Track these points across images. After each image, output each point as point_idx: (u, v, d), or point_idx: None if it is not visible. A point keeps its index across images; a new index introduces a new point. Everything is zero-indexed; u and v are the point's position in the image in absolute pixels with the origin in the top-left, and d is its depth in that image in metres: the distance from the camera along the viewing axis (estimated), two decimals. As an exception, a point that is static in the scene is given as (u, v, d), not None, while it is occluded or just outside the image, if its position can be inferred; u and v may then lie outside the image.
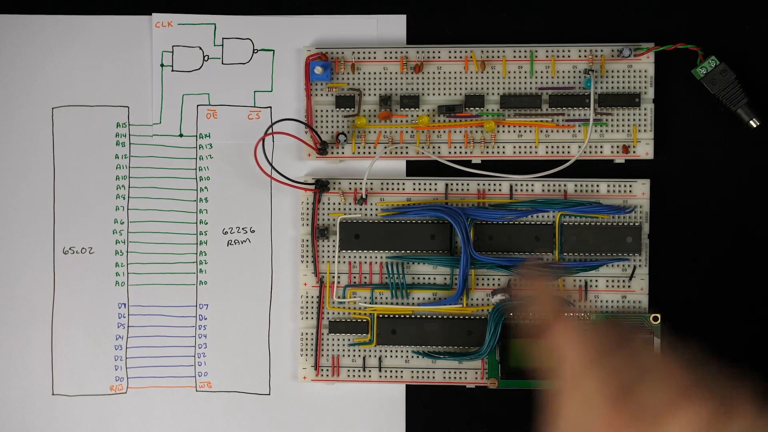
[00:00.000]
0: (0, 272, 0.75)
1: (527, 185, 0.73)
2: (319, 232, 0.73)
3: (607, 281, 0.72)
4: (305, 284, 0.73)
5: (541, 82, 0.73)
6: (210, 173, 0.75)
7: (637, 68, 0.72)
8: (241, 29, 0.75)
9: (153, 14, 0.75)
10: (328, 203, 0.73)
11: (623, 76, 0.72)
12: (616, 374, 0.50)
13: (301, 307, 0.73)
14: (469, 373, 0.73)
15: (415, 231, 0.72)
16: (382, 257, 0.73)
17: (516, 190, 0.73)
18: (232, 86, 0.75)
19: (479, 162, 0.73)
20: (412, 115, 0.73)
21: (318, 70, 0.72)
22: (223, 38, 0.75)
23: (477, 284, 0.73)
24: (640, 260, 0.72)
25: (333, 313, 0.73)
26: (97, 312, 0.75)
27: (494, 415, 0.74)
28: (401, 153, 0.73)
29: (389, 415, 0.74)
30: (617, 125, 0.72)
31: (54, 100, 0.75)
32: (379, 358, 0.73)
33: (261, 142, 0.73)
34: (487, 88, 0.73)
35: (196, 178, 0.75)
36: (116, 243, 0.75)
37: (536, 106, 0.72)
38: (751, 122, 0.72)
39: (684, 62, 0.73)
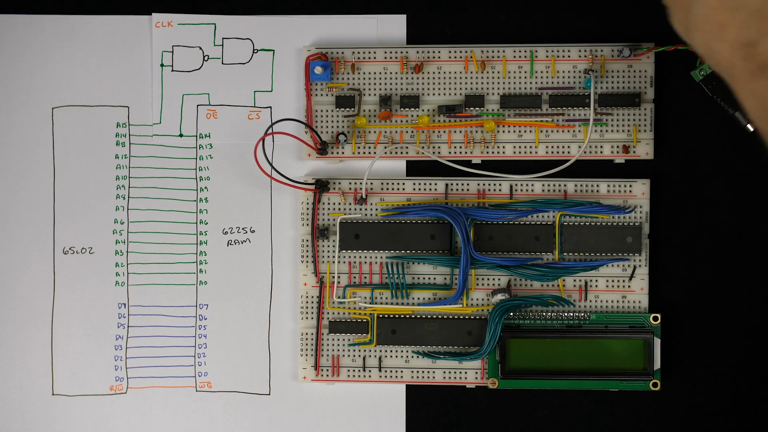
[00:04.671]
0: (0, 272, 0.75)
1: (527, 185, 0.73)
2: (319, 232, 0.73)
3: (607, 281, 0.72)
4: (305, 284, 0.73)
5: (541, 82, 0.73)
6: (210, 173, 0.75)
7: (637, 68, 0.72)
8: (241, 29, 0.75)
9: (153, 14, 0.75)
10: (328, 203, 0.73)
11: (623, 76, 0.72)
12: None
13: (301, 307, 0.73)
14: (469, 373, 0.73)
15: (415, 231, 0.72)
16: (382, 257, 0.73)
17: (516, 190, 0.73)
18: (232, 86, 0.75)
19: (479, 162, 0.73)
20: (412, 115, 0.73)
21: (318, 70, 0.72)
22: (223, 38, 0.75)
23: (477, 284, 0.73)
24: (640, 260, 0.72)
25: (333, 313, 0.73)
26: (97, 312, 0.75)
27: (494, 415, 0.74)
28: (401, 153, 0.73)
29: (389, 415, 0.74)
30: (617, 125, 0.72)
31: (54, 100, 0.75)
32: (379, 358, 0.73)
33: (261, 142, 0.73)
34: (487, 88, 0.73)
35: (196, 178, 0.75)
36: (116, 243, 0.75)
37: (536, 106, 0.72)
38: (749, 126, 0.72)
39: (684, 62, 0.73)
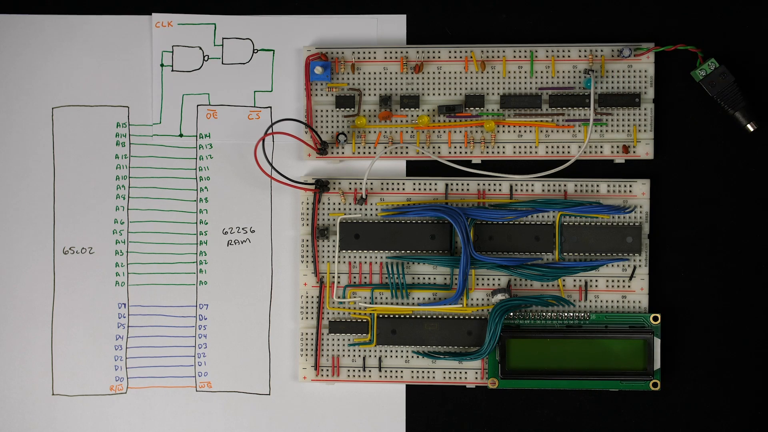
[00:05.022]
0: (0, 272, 0.75)
1: (527, 185, 0.73)
2: (319, 232, 0.73)
3: (607, 281, 0.72)
4: (305, 284, 0.73)
5: (541, 82, 0.73)
6: (210, 173, 0.75)
7: (637, 68, 0.72)
8: (241, 29, 0.75)
9: (153, 14, 0.75)
10: (328, 203, 0.73)
11: (623, 76, 0.72)
12: None
13: (301, 307, 0.73)
14: (469, 373, 0.73)
15: (415, 231, 0.72)
16: (382, 257, 0.73)
17: (516, 190, 0.73)
18: (232, 86, 0.75)
19: (479, 162, 0.73)
20: (412, 115, 0.73)
21: (318, 70, 0.72)
22: (223, 38, 0.75)
23: (477, 284, 0.73)
24: (640, 260, 0.72)
25: (333, 313, 0.73)
26: (97, 312, 0.75)
27: (494, 415, 0.74)
28: (401, 153, 0.73)
29: (389, 415, 0.74)
30: (617, 125, 0.72)
31: (54, 100, 0.75)
32: (379, 358, 0.73)
33: (261, 142, 0.73)
34: (487, 88, 0.73)
35: (196, 178, 0.75)
36: (116, 243, 0.75)
37: (536, 106, 0.72)
38: (749, 126, 0.72)
39: (684, 62, 0.73)
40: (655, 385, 0.71)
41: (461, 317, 0.73)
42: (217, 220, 0.75)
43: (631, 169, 0.73)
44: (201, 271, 0.75)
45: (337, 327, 0.73)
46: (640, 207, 0.72)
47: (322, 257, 0.73)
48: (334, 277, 0.73)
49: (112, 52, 0.75)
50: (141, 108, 0.75)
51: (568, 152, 0.73)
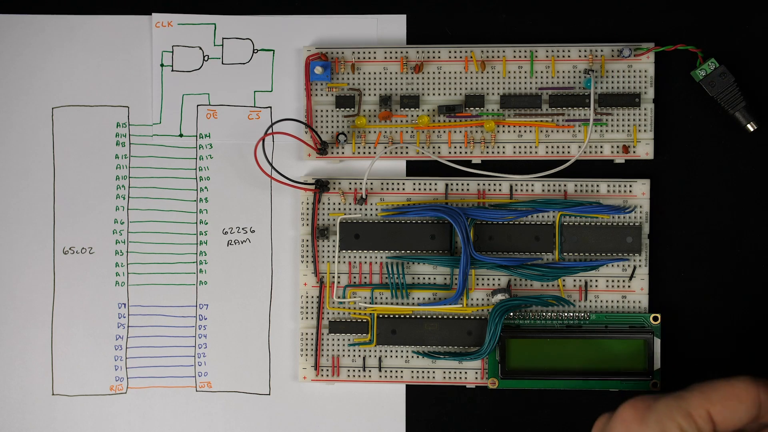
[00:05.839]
0: (0, 272, 0.75)
1: (527, 185, 0.73)
2: (319, 232, 0.73)
3: (607, 281, 0.72)
4: (305, 284, 0.73)
5: (541, 82, 0.73)
6: (210, 173, 0.75)
7: (637, 68, 0.72)
8: (241, 29, 0.75)
9: (153, 14, 0.75)
10: (328, 203, 0.73)
11: (623, 76, 0.72)
12: None
13: (301, 307, 0.73)
14: (469, 373, 0.73)
15: (415, 231, 0.72)
16: (382, 257, 0.73)
17: (516, 190, 0.73)
18: (232, 86, 0.75)
19: (479, 162, 0.73)
20: (412, 115, 0.73)
21: (318, 70, 0.72)
22: (223, 38, 0.75)
23: (477, 284, 0.73)
24: (640, 260, 0.72)
25: (333, 313, 0.73)
26: (97, 312, 0.75)
27: (494, 415, 0.74)
28: (401, 153, 0.73)
29: (389, 415, 0.74)
30: (617, 125, 0.72)
31: (54, 100, 0.75)
32: (379, 358, 0.73)
33: (261, 142, 0.73)
34: (487, 88, 0.73)
35: (196, 178, 0.75)
36: (116, 243, 0.75)
37: (536, 106, 0.72)
38: (749, 126, 0.72)
39: (684, 62, 0.73)
40: (655, 385, 0.71)
41: (461, 317, 0.73)
42: (217, 220, 0.75)
43: (631, 169, 0.73)
44: (201, 271, 0.75)
45: (337, 327, 0.73)
46: (640, 207, 0.72)
47: (322, 257, 0.73)
48: (334, 277, 0.73)
49: (112, 52, 0.75)
50: (141, 108, 0.75)
51: (568, 152, 0.73)
